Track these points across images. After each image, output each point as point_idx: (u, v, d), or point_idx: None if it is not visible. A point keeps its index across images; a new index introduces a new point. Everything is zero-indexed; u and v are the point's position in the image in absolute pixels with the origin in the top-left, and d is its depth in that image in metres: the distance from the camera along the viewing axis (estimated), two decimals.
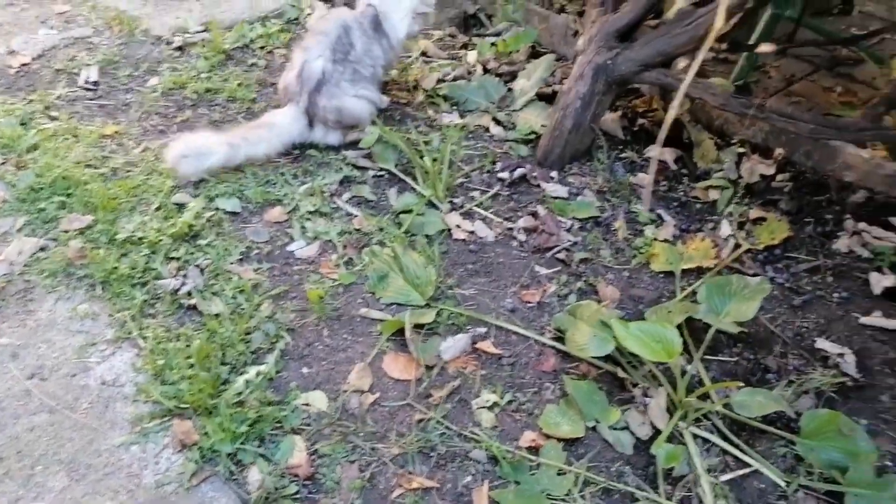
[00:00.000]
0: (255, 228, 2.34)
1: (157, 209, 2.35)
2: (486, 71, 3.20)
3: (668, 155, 2.75)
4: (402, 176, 2.58)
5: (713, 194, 2.58)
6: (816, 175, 2.62)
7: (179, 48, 3.22)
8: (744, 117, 2.32)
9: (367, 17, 2.73)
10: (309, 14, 3.51)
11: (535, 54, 3.32)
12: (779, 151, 2.67)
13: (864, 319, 2.04)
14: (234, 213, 2.39)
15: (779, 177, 2.61)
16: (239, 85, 3.01)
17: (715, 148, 2.75)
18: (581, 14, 3.39)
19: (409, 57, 3.23)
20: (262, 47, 3.29)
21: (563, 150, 2.65)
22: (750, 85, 3.01)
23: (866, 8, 3.51)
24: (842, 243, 2.30)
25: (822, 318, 2.08)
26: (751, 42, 2.71)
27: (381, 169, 2.61)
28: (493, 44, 3.31)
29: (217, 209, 2.39)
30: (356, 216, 2.41)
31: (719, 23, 1.17)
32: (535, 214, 2.46)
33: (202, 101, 2.94)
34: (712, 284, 1.98)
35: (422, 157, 2.58)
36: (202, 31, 3.29)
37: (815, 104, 3.00)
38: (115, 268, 2.11)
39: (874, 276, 2.17)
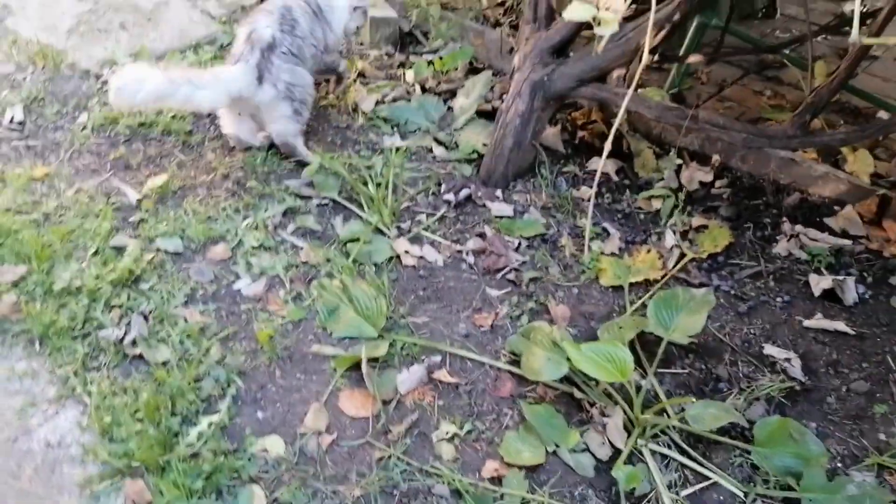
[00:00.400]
0: (199, 268, 2.28)
1: (95, 254, 2.27)
2: (424, 90, 3.20)
3: (610, 166, 2.79)
4: (346, 204, 2.55)
5: (656, 204, 2.63)
6: (753, 179, 2.70)
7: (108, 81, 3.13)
8: (680, 127, 2.37)
9: (311, 1, 2.77)
10: None
11: (472, 70, 3.35)
12: (716, 158, 2.74)
13: (807, 322, 2.11)
14: (176, 254, 2.33)
15: (717, 183, 2.67)
16: (173, 117, 2.93)
17: (654, 157, 2.81)
18: (516, 28, 3.43)
19: (348, 78, 3.21)
20: None
21: (505, 169, 2.67)
22: (683, 93, 3.09)
23: (788, 11, 3.63)
24: (781, 247, 2.37)
25: (767, 324, 2.13)
26: (681, 53, 2.78)
27: (325, 197, 2.58)
28: (430, 62, 3.31)
29: (158, 250, 2.32)
30: (302, 248, 2.38)
31: (649, 39, 1.18)
32: (482, 236, 2.46)
33: (136, 136, 2.85)
34: (659, 299, 2.02)
35: (365, 184, 2.56)
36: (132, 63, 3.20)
37: (746, 108, 3.09)
38: (54, 321, 2.02)
39: (813, 278, 2.24)
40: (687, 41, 2.85)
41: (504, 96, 3.16)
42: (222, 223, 2.44)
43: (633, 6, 2.61)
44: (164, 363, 1.96)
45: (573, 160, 2.85)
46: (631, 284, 2.26)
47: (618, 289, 2.27)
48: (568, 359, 1.81)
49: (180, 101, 2.42)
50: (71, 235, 2.35)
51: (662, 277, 2.27)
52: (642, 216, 2.60)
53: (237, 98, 2.52)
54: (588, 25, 2.64)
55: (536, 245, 2.45)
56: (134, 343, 2.01)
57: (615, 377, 1.72)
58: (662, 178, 2.71)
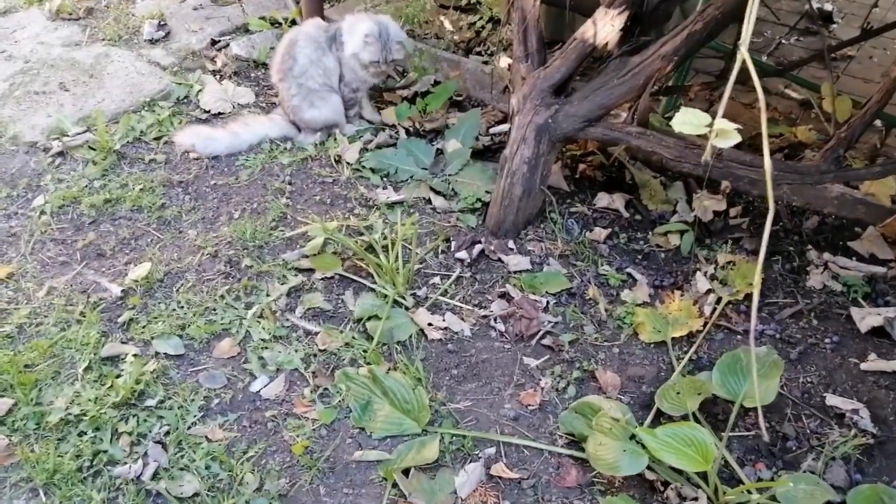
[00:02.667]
0: (208, 372, 2.06)
1: (87, 370, 2.02)
2: (408, 133, 3.01)
3: (619, 202, 2.67)
4: (353, 277, 2.36)
5: (674, 240, 2.53)
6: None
7: (60, 154, 2.82)
8: (703, 167, 2.26)
9: (330, 30, 2.88)
10: (200, 91, 3.17)
11: (453, 104, 3.18)
12: (725, 184, 2.66)
13: (864, 366, 2.04)
14: (178, 357, 2.10)
15: (731, 211, 2.59)
16: (142, 190, 2.67)
17: (661, 186, 2.71)
18: (492, 54, 3.27)
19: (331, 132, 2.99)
20: (157, 138, 2.94)
21: (515, 218, 2.52)
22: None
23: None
24: (815, 280, 2.30)
25: (822, 370, 2.06)
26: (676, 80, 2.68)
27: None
28: (410, 101, 3.12)
29: (157, 355, 2.09)
30: (317, 333, 2.18)
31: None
32: (506, 296, 2.31)
33: (103, 216, 2.58)
34: (723, 364, 1.91)
35: (370, 250, 2.38)
36: (83, 132, 2.89)
37: (741, 124, 3.01)
38: (57, 463, 1.78)
39: (855, 313, 2.18)
40: (687, 67, 2.76)
41: (491, 131, 3.02)
42: (223, 313, 2.22)
43: (636, 38, 2.50)
44: (194, 496, 1.75)
45: (578, 197, 2.72)
46: (673, 338, 2.15)
47: (660, 344, 2.16)
48: (644, 448, 1.69)
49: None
50: (54, 349, 2.09)
51: (704, 326, 2.17)
52: (663, 255, 2.49)
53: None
54: (593, 59, 2.52)
55: (564, 301, 2.31)
56: (155, 476, 1.79)
57: (699, 465, 1.61)
58: (675, 211, 2.62)
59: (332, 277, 2.37)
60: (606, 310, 2.27)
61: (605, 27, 2.33)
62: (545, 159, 2.48)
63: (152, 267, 2.35)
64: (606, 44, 2.42)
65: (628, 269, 2.42)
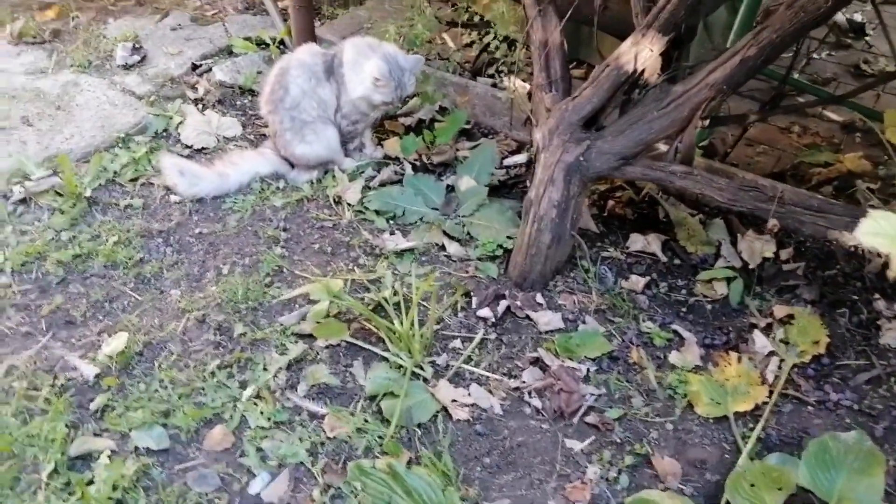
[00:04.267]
0: (198, 471, 1.74)
1: (53, 475, 1.70)
2: (415, 168, 2.72)
3: (654, 244, 2.39)
4: (361, 344, 2.05)
5: (720, 288, 2.25)
6: (816, 242, 2.36)
7: (23, 201, 2.49)
8: (760, 211, 1.98)
9: (327, 57, 2.57)
10: (180, 123, 2.86)
11: (460, 131, 2.88)
12: (773, 223, 2.37)
13: None
14: (161, 452, 1.78)
15: (782, 253, 2.31)
16: (117, 242, 2.35)
17: (700, 225, 2.43)
18: (502, 75, 2.98)
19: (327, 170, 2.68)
20: (133, 180, 2.62)
21: (543, 268, 2.23)
22: (713, 143, 2.73)
23: None
24: (889, 337, 2.03)
25: None
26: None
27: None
28: (416, 131, 2.83)
29: (137, 450, 1.77)
30: (323, 416, 1.88)
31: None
32: (539, 363, 2.02)
33: (72, 274, 2.26)
34: (811, 455, 1.62)
35: (378, 310, 2.08)
36: (49, 175, 2.56)
37: (780, 151, 2.76)
38: None
39: None
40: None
41: (506, 162, 2.73)
42: (213, 394, 1.91)
43: (676, 64, 2.22)
44: None
45: (609, 239, 2.44)
46: (736, 412, 1.87)
47: (721, 419, 1.88)
48: None
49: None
50: (13, 446, 1.76)
51: (769, 395, 1.89)
52: (709, 306, 2.21)
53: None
54: (628, 86, 2.24)
55: (606, 366, 2.02)
56: None
57: None
58: (718, 254, 2.34)
59: (337, 345, 2.06)
60: (656, 377, 1.98)
61: (643, 51, 2.05)
62: (576, 201, 2.19)
63: (130, 337, 2.03)
64: (643, 70, 2.14)
65: (673, 326, 2.14)
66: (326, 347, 2.06)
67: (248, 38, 3.36)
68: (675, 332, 2.12)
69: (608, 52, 2.16)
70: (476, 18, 3.08)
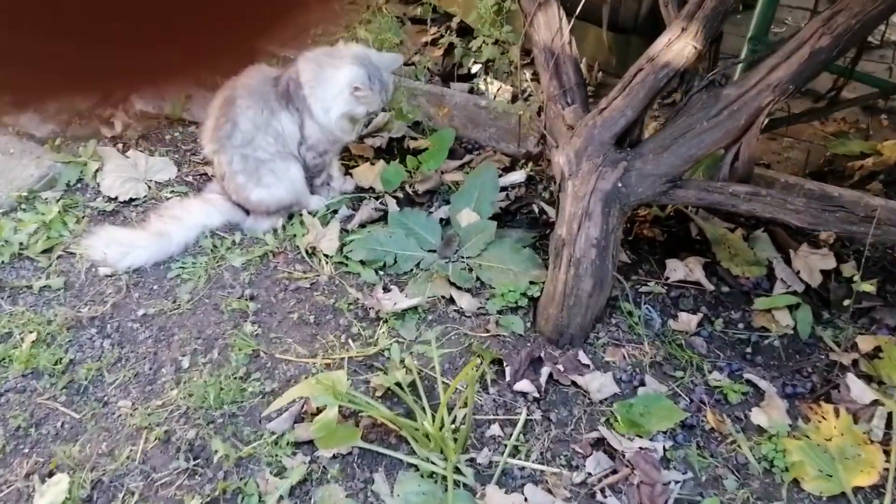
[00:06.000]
0: None
1: None
2: (399, 202, 2.27)
3: (697, 270, 2.04)
4: (379, 449, 1.62)
5: (782, 318, 1.92)
6: (877, 251, 2.06)
7: None
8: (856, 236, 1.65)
9: (280, 80, 2.07)
10: (98, 170, 2.31)
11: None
12: (828, 233, 2.07)
13: None
14: None
15: (844, 268, 2.00)
16: (36, 341, 1.82)
17: (743, 241, 2.10)
18: (473, 77, 2.56)
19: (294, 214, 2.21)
20: (46, 251, 2.07)
21: (583, 319, 1.84)
22: None
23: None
24: None
25: None
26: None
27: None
28: (397, 159, 2.38)
29: None
30: None
31: None
32: (601, 445, 1.63)
33: None
34: None
35: (393, 397, 1.65)
36: None
37: (808, 143, 2.45)
38: None
39: None
40: None
41: (501, 182, 2.32)
42: None
43: (716, 63, 1.86)
44: None
45: (643, 268, 2.08)
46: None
47: (837, 497, 1.54)
48: None
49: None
50: None
51: (887, 458, 1.56)
52: (777, 343, 1.88)
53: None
54: (665, 92, 1.86)
55: (682, 439, 1.65)
56: None
57: None
58: (770, 275, 2.01)
59: (348, 453, 1.62)
60: (751, 449, 1.63)
61: (686, 49, 1.67)
62: (615, 236, 1.81)
63: (71, 478, 1.53)
64: (686, 72, 1.77)
65: (744, 374, 1.79)
66: (334, 458, 1.61)
67: None
68: (748, 381, 1.78)
69: None
70: (441, 11, 2.64)
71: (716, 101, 1.72)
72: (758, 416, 1.69)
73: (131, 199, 2.26)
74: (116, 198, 2.25)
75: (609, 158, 1.77)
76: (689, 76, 1.78)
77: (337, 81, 1.96)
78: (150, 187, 2.30)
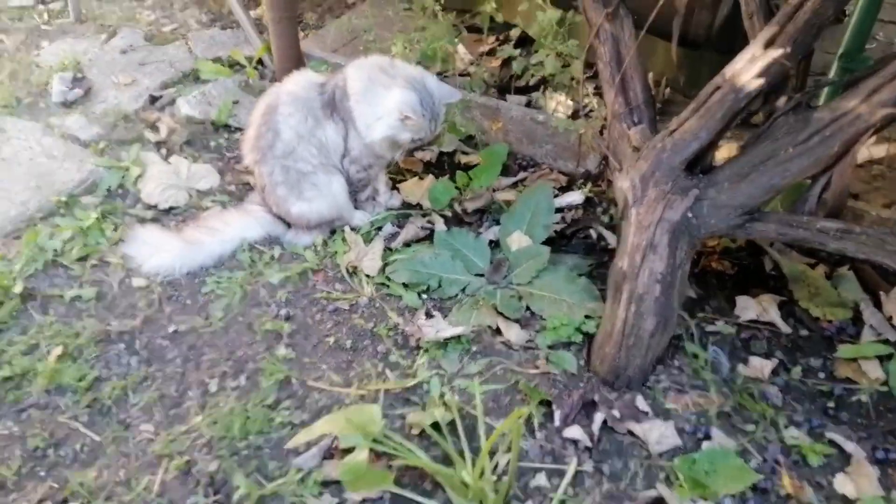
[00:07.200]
0: None
1: None
2: (446, 220, 2.13)
3: (771, 310, 1.85)
4: (412, 496, 1.47)
5: (871, 370, 1.71)
6: None
7: None
8: None
9: (326, 87, 1.96)
10: (140, 175, 2.24)
11: None
12: None
13: None
14: None
15: None
16: (63, 355, 1.74)
17: (825, 280, 1.89)
18: (513, 91, 2.40)
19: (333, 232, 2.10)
20: (81, 259, 2.00)
21: (643, 360, 1.67)
22: None
23: None
24: None
25: None
26: None
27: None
28: (447, 176, 2.24)
29: None
30: None
31: None
32: None
33: (0, 407, 1.65)
34: None
35: (445, 459, 1.50)
36: None
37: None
38: None
39: None
40: None
41: (557, 202, 2.16)
42: None
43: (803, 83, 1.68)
44: None
45: (710, 305, 1.89)
46: None
47: None
48: None
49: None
50: None
51: None
52: (865, 399, 1.67)
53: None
54: (745, 114, 1.67)
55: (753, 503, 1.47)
56: None
57: None
58: (859, 319, 1.80)
59: (379, 497, 1.48)
60: None
61: (772, 66, 1.49)
62: (682, 271, 1.63)
63: None
64: (770, 92, 1.58)
65: (826, 432, 1.59)
66: (364, 502, 1.48)
67: (217, 60, 2.75)
68: (831, 442, 1.58)
69: None
70: (500, 21, 2.50)
71: (805, 126, 1.53)
72: (843, 484, 1.50)
73: (171, 208, 2.18)
74: (156, 205, 2.17)
75: (678, 185, 1.60)
76: (773, 97, 1.60)
77: (385, 102, 1.83)
78: (191, 196, 2.22)
